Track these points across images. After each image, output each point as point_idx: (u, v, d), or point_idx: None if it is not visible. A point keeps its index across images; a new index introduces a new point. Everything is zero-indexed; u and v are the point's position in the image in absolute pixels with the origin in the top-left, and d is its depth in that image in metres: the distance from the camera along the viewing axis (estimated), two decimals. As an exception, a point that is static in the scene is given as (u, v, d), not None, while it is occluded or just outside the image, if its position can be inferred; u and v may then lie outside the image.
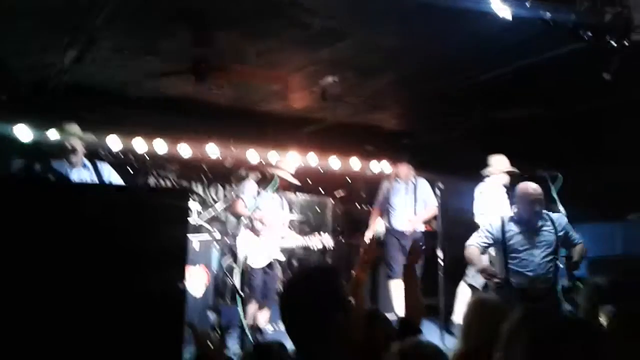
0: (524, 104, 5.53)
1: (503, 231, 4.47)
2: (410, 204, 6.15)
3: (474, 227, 5.86)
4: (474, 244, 4.59)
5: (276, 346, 2.42)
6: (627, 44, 3.95)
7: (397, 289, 5.94)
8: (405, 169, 6.31)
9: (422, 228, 6.28)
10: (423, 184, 6.25)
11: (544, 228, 4.43)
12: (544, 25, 3.71)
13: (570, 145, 5.65)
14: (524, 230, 4.43)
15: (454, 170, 5.92)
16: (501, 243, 4.47)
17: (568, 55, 4.34)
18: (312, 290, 1.88)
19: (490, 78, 5.04)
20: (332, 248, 6.79)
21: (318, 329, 1.83)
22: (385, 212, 6.37)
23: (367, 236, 6.35)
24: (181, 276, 2.64)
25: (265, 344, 2.91)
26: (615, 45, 3.92)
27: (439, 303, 5.59)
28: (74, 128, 4.81)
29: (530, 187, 4.42)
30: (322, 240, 5.62)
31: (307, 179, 7.98)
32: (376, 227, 6.42)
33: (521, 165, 5.55)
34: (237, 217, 5.26)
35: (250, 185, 5.37)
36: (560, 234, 4.44)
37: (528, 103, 5.54)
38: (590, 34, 3.86)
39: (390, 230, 6.26)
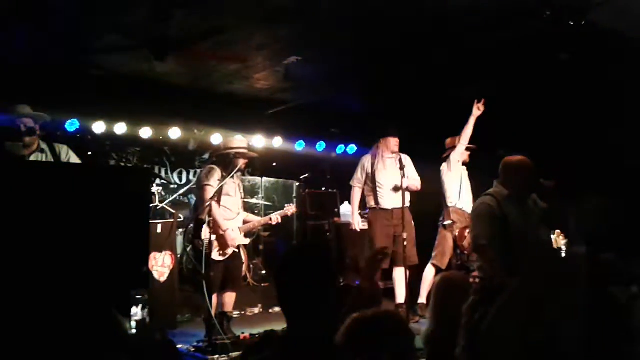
0: (481, 83, 5.60)
1: (503, 213, 3.85)
2: (398, 180, 5.61)
3: (437, 209, 5.96)
4: (485, 240, 3.86)
5: None
6: (583, 23, 4.05)
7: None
8: (395, 143, 5.83)
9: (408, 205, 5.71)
10: (407, 158, 5.82)
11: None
12: (505, 3, 3.76)
13: (528, 124, 5.75)
14: (520, 210, 3.93)
15: (412, 152, 5.97)
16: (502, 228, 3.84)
17: (527, 34, 4.40)
18: (306, 266, 1.93)
19: (449, 57, 5.08)
20: (294, 227, 6.77)
21: (310, 304, 1.87)
22: (369, 190, 5.92)
23: (356, 221, 6.07)
24: (144, 258, 2.59)
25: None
26: (572, 24, 4.02)
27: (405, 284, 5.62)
28: (26, 109, 4.64)
29: (524, 158, 3.99)
30: (286, 213, 5.55)
31: (272, 162, 7.97)
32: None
33: (480, 145, 5.64)
34: (202, 202, 5.16)
35: (214, 170, 5.27)
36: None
37: (486, 82, 5.61)
38: (548, 12, 3.95)
39: (376, 210, 5.84)
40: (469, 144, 5.64)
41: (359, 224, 6.06)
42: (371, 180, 5.86)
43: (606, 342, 1.81)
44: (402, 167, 5.47)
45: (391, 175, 5.75)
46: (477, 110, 5.37)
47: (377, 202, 5.82)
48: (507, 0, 3.73)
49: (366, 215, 7.77)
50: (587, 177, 5.38)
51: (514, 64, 5.28)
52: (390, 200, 5.75)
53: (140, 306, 5.05)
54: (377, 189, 5.82)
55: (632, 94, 5.39)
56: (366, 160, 5.97)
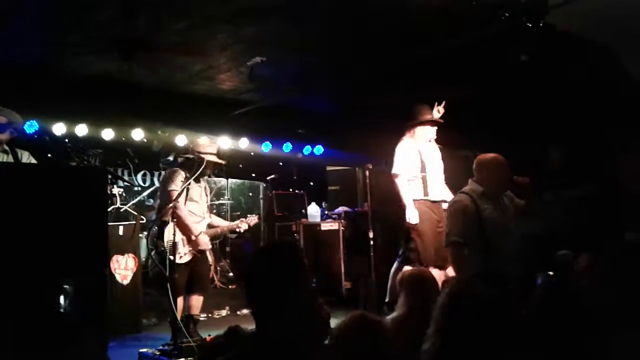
0: (446, 85, 5.68)
1: (478, 211, 3.81)
2: (441, 169, 5.19)
3: (402, 207, 6.00)
4: (457, 239, 3.84)
5: None
6: (541, 25, 4.15)
7: None
8: (433, 130, 5.28)
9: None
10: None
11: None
12: (465, 4, 3.82)
13: (491, 125, 5.87)
14: (495, 206, 3.92)
15: (382, 149, 5.99)
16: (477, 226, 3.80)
17: (488, 36, 4.48)
18: (275, 264, 1.92)
19: (414, 58, 5.13)
20: (261, 229, 6.72)
21: (276, 305, 1.86)
22: (414, 180, 5.20)
23: (414, 213, 5.05)
24: (103, 258, 2.54)
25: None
26: (531, 26, 4.11)
27: (372, 285, 5.65)
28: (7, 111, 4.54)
29: (497, 156, 4.00)
30: (248, 222, 5.51)
31: (239, 164, 7.92)
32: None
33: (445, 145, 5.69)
34: (166, 206, 5.07)
35: (178, 173, 5.19)
36: None
37: (450, 83, 5.69)
38: (507, 14, 4.03)
39: (424, 202, 5.13)
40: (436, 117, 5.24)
41: (416, 217, 5.07)
42: (420, 169, 5.20)
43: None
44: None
45: (435, 164, 5.29)
46: (438, 113, 5.28)
47: (425, 193, 5.17)
48: (465, 2, 3.77)
49: (334, 216, 7.85)
50: (548, 175, 5.50)
51: (473, 67, 5.37)
52: (438, 191, 5.18)
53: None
54: (425, 178, 5.19)
55: (591, 93, 5.56)
56: (409, 147, 5.26)
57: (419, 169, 5.18)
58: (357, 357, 2.02)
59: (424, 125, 5.25)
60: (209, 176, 5.75)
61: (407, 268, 5.05)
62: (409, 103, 5.46)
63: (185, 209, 5.04)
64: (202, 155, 5.12)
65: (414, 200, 5.10)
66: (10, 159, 4.48)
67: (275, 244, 2.47)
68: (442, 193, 5.15)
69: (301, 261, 1.97)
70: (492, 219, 3.83)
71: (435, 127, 5.26)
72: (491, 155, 4.02)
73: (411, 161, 5.19)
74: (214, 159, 5.23)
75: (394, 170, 5.21)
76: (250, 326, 1.94)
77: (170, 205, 4.83)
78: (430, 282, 3.24)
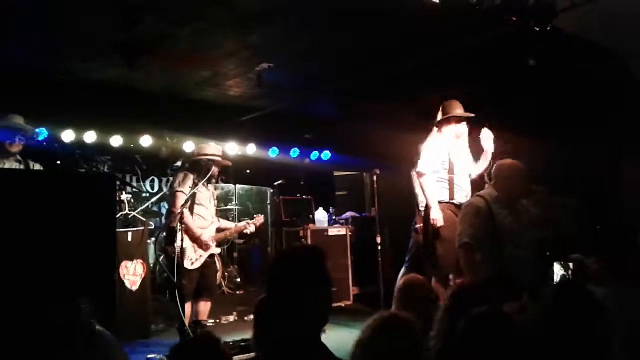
0: (452, 88, 5.66)
1: (492, 215, 3.77)
2: (470, 169, 4.85)
3: (411, 212, 5.98)
4: (469, 241, 3.79)
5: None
6: (548, 29, 4.14)
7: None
8: (464, 127, 4.87)
9: None
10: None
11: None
12: (470, 9, 3.82)
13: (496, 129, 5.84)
14: (510, 213, 3.85)
15: (389, 155, 5.99)
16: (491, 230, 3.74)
17: (493, 40, 4.47)
18: (295, 268, 1.94)
19: (418, 64, 5.12)
20: (269, 234, 6.72)
21: (297, 305, 1.89)
22: (441, 181, 4.85)
23: (438, 219, 4.69)
24: (111, 264, 2.55)
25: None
26: (538, 30, 4.10)
27: (379, 291, 5.64)
28: (19, 120, 4.61)
29: (516, 162, 3.94)
30: (255, 223, 5.51)
31: (246, 170, 7.94)
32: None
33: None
34: (175, 211, 5.09)
35: (188, 177, 5.22)
36: None
37: (456, 87, 5.68)
38: (514, 18, 4.02)
39: (449, 205, 4.77)
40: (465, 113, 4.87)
41: (441, 218, 4.70)
42: (447, 170, 4.84)
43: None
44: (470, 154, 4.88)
45: (462, 163, 4.91)
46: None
47: (451, 197, 4.82)
48: (473, 7, 3.77)
49: (341, 222, 7.85)
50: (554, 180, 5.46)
51: (481, 71, 5.36)
52: (464, 194, 4.80)
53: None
54: (454, 179, 4.84)
55: (598, 96, 5.53)
56: (438, 146, 4.91)
57: (447, 170, 4.84)
58: (389, 358, 2.02)
59: (451, 123, 4.86)
60: (217, 181, 5.77)
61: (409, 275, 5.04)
62: (415, 107, 5.45)
63: (191, 215, 5.04)
64: (209, 158, 5.16)
65: (440, 202, 4.78)
66: (23, 168, 4.54)
67: (292, 250, 2.50)
68: (468, 197, 4.73)
69: (320, 262, 1.99)
70: (506, 224, 3.79)
71: (465, 124, 4.87)
72: (510, 161, 3.98)
73: (440, 161, 4.85)
74: (220, 160, 5.26)
75: (419, 169, 4.86)
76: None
77: (179, 211, 4.85)
78: (421, 291, 3.08)
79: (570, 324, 1.89)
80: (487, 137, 4.70)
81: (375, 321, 2.13)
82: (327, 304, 1.96)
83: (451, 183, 4.82)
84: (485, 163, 4.69)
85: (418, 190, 5.50)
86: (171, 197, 5.18)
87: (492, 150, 4.70)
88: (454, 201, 4.78)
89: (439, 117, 4.93)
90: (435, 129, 4.93)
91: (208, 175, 5.05)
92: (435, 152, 4.86)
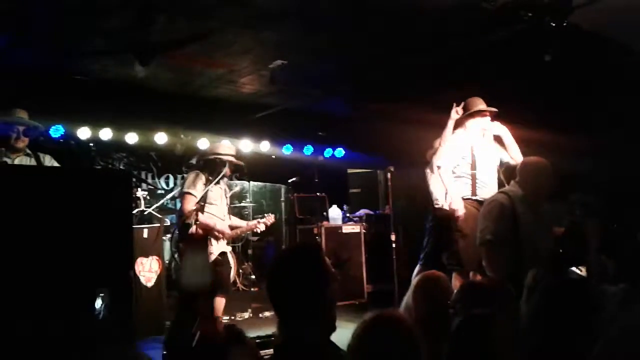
0: (467, 86, 5.63)
1: (515, 213, 3.69)
2: (495, 164, 4.70)
3: (426, 209, 5.96)
4: (491, 238, 3.69)
5: None
6: (565, 24, 4.09)
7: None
8: (489, 120, 4.71)
9: None
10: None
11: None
12: (485, 6, 3.80)
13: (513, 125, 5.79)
14: (533, 212, 3.75)
15: (403, 152, 5.97)
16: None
17: (509, 37, 4.44)
18: (299, 270, 1.91)
19: (433, 61, 5.10)
20: (283, 232, 6.71)
21: (309, 308, 1.86)
22: (463, 178, 4.69)
23: (458, 209, 4.49)
24: (128, 259, 2.57)
25: None
26: (554, 26, 4.06)
27: (394, 288, 5.61)
28: (23, 114, 4.62)
29: (543, 160, 3.84)
30: (265, 222, 5.51)
31: (260, 167, 7.96)
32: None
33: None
34: (186, 211, 5.11)
35: (199, 178, 5.23)
36: None
37: (472, 85, 5.64)
38: (530, 14, 3.98)
39: (469, 203, 4.57)
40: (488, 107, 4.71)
41: (462, 207, 4.54)
42: (470, 166, 4.69)
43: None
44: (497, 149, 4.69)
45: (488, 159, 4.73)
46: (456, 114, 4.87)
47: (473, 193, 4.65)
48: (489, 3, 3.75)
49: (355, 219, 7.84)
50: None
51: (497, 68, 5.32)
52: (487, 191, 4.59)
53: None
54: (477, 175, 4.68)
55: (615, 93, 5.46)
56: (461, 141, 4.76)
57: (469, 166, 4.69)
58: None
59: (474, 117, 4.72)
60: (230, 178, 5.78)
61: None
62: (430, 105, 5.40)
63: (202, 215, 5.06)
64: (221, 157, 5.17)
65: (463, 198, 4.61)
66: (33, 162, 4.55)
67: (296, 247, 2.43)
68: (492, 193, 4.48)
69: (321, 259, 1.96)
70: (529, 224, 3.69)
71: (488, 118, 4.73)
72: (536, 159, 3.88)
73: (461, 157, 4.71)
74: (233, 159, 5.27)
75: (437, 162, 4.74)
76: (273, 329, 1.94)
77: (194, 209, 4.87)
78: (440, 288, 2.98)
79: (562, 318, 1.88)
80: (493, 127, 4.62)
81: (369, 319, 1.97)
82: (331, 301, 1.93)
83: (473, 179, 4.67)
84: (511, 144, 4.56)
85: (433, 188, 5.48)
86: (181, 199, 5.18)
87: (507, 131, 4.60)
88: (477, 197, 4.61)
89: (458, 113, 4.77)
90: (450, 124, 4.80)
91: (220, 176, 5.06)
92: (456, 147, 4.74)
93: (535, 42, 4.33)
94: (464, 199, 4.60)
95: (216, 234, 5.06)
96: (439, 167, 4.75)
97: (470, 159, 4.69)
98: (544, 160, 3.86)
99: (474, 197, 4.61)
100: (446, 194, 4.76)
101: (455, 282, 4.50)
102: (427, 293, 2.96)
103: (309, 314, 1.87)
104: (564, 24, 4.07)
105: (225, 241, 5.25)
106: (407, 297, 3.03)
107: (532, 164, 3.88)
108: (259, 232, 5.51)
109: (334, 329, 1.94)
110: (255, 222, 5.51)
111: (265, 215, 5.57)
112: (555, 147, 5.10)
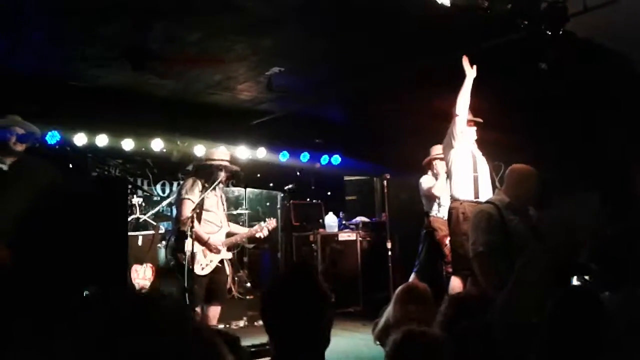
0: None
1: (504, 222, 3.68)
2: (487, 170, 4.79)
3: (422, 217, 5.96)
4: (483, 250, 3.70)
5: None
6: (560, 33, 4.10)
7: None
8: (475, 131, 4.87)
9: None
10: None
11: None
12: (481, 13, 3.80)
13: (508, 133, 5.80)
14: (522, 218, 3.78)
15: (399, 159, 5.97)
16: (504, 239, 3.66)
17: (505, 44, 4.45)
18: (295, 300, 1.82)
19: (428, 67, 5.11)
20: (279, 239, 6.69)
21: (306, 337, 1.80)
22: (466, 179, 4.75)
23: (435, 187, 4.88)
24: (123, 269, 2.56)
25: None
26: (550, 34, 4.07)
27: (389, 296, 5.58)
28: (18, 119, 4.61)
29: (530, 167, 3.88)
30: (267, 227, 5.48)
31: (256, 173, 7.95)
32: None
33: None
34: (182, 219, 5.08)
35: (195, 183, 5.21)
36: None
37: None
38: (526, 22, 3.99)
39: (472, 205, 4.56)
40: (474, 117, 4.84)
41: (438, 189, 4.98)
42: (472, 168, 4.75)
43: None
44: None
45: (484, 163, 4.83)
46: (473, 72, 4.61)
47: (476, 195, 4.68)
48: (485, 11, 3.75)
49: (351, 226, 7.83)
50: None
51: (493, 75, 5.32)
52: (487, 194, 4.63)
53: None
54: (478, 178, 4.74)
55: (610, 101, 5.48)
56: (463, 144, 4.81)
57: (472, 168, 4.76)
58: None
59: (470, 125, 4.81)
60: (227, 185, 5.76)
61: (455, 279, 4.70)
62: (427, 112, 5.42)
63: (198, 223, 5.03)
64: (217, 163, 5.15)
65: (464, 200, 4.65)
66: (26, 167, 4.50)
67: (288, 274, 2.25)
68: (489, 196, 4.49)
69: (319, 289, 1.87)
70: (519, 231, 3.68)
71: (475, 128, 4.87)
72: (523, 166, 3.90)
73: (466, 155, 4.78)
74: (228, 165, 5.25)
75: (456, 111, 4.68)
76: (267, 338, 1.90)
77: (189, 216, 4.84)
78: (419, 297, 2.99)
79: (570, 325, 1.87)
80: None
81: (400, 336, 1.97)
82: (327, 327, 1.85)
83: (476, 181, 4.73)
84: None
85: (435, 191, 5.48)
86: (178, 205, 5.15)
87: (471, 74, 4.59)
88: (479, 199, 4.62)
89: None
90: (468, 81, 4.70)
91: (217, 182, 5.04)
92: (463, 147, 4.78)
93: (531, 50, 4.35)
94: (467, 201, 4.63)
95: (207, 244, 5.04)
96: (457, 115, 4.68)
97: (472, 161, 4.76)
98: (529, 167, 3.88)
99: (476, 200, 4.63)
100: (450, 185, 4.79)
101: (457, 284, 4.55)
102: (404, 298, 2.96)
103: (306, 344, 1.81)
104: (560, 33, 4.08)
105: (225, 248, 5.22)
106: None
107: (517, 171, 3.89)
108: (260, 237, 5.48)
109: (327, 344, 1.88)
110: (256, 227, 5.47)
111: (267, 219, 5.54)
112: (544, 155, 5.13)
